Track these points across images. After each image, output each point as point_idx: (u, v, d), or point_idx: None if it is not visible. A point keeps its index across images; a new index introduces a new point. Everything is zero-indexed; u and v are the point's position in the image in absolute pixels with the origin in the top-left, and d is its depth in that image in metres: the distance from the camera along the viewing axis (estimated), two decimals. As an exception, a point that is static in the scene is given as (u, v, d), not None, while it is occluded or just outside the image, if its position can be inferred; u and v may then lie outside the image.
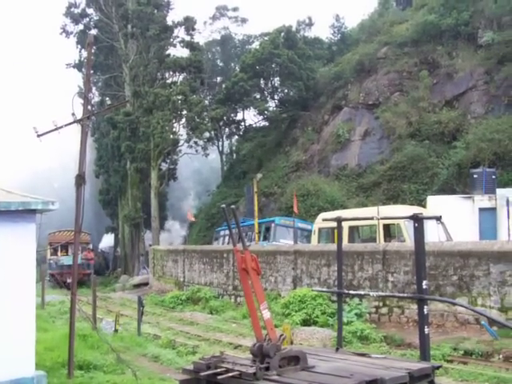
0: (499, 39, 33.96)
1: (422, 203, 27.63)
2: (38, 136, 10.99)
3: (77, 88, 49.83)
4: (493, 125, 30.10)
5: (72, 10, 52.52)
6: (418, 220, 8.00)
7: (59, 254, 43.33)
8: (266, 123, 54.89)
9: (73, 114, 11.50)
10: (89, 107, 11.88)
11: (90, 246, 48.40)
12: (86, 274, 40.90)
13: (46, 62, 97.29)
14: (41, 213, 9.51)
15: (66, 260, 39.21)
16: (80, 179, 11.41)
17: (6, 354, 8.56)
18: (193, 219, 42.74)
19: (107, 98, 55.13)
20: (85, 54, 48.91)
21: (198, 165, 64.90)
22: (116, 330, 16.74)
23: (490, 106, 33.36)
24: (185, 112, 46.09)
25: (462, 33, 36.89)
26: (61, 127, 11.12)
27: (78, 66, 54.04)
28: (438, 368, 7.55)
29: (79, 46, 52.99)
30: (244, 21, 67.55)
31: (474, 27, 36.51)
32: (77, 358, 11.29)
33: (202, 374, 6.37)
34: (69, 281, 31.76)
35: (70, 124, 11.52)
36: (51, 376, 10.13)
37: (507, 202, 22.79)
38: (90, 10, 52.81)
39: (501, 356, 12.68)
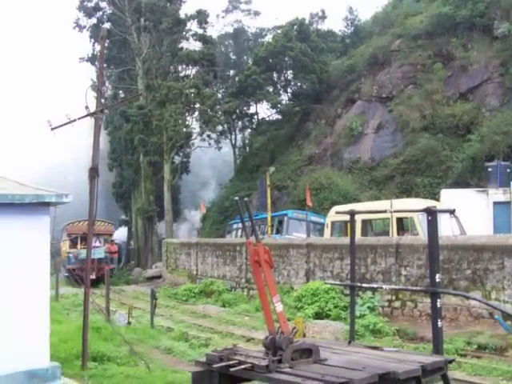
0: (515, 30, 33.56)
1: (435, 197, 27.48)
2: (52, 129, 11.07)
3: (90, 82, 50.09)
4: (508, 117, 29.79)
5: (85, 3, 52.62)
6: (431, 213, 7.96)
7: (79, 246, 37.99)
8: (279, 116, 54.84)
9: (86, 108, 11.56)
10: (102, 100, 11.92)
11: (113, 238, 43.39)
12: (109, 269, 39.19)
13: (59, 56, 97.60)
14: (55, 205, 9.55)
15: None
16: (93, 172, 11.47)
17: (21, 345, 8.64)
18: (203, 211, 42.77)
19: (120, 92, 55.30)
20: (98, 47, 49.00)
21: (211, 158, 65.08)
22: (129, 323, 16.85)
23: (506, 99, 33.00)
24: (198, 105, 46.14)
25: (478, 24, 36.46)
26: (74, 120, 11.19)
27: (92, 59, 54.21)
28: (451, 362, 7.53)
29: (92, 40, 53.10)
30: (257, 14, 67.49)
31: (489, 18, 36.04)
32: (90, 349, 11.38)
33: (215, 366, 6.41)
34: (92, 277, 30.78)
35: (84, 117, 11.58)
36: (65, 367, 10.21)
37: (522, 195, 22.64)
38: (103, 4, 52.88)
39: (515, 350, 12.60)
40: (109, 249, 38.93)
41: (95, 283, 30.88)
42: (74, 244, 38.31)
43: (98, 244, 36.17)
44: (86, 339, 10.96)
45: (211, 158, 65.53)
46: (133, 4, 48.85)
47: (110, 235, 40.97)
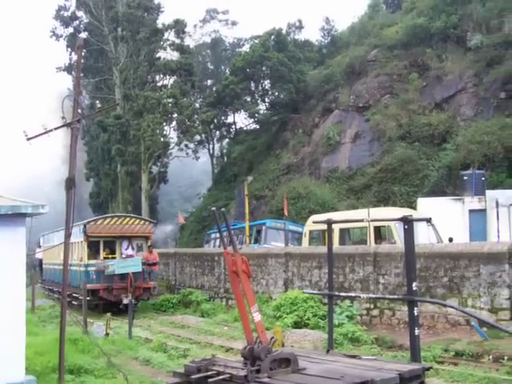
0: (488, 42, 34.28)
1: (412, 205, 27.75)
2: (28, 139, 10.97)
3: (67, 91, 49.82)
4: (482, 127, 30.29)
5: (62, 13, 52.48)
6: (407, 222, 8.04)
7: (102, 255, 25.57)
8: (257, 126, 55.05)
9: (63, 118, 11.48)
10: (79, 110, 11.85)
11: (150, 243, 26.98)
12: (147, 289, 25.37)
13: (36, 65, 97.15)
14: (31, 216, 9.49)
15: (118, 266, 24.27)
16: (70, 182, 11.38)
17: (-4, 358, 8.53)
18: (183, 221, 42.39)
19: (97, 101, 55.09)
20: (75, 57, 48.79)
21: (189, 167, 65.01)
22: (107, 334, 16.68)
23: (479, 109, 33.59)
24: (175, 115, 46.10)
25: (451, 36, 37.19)
26: (50, 131, 11.10)
27: (68, 69, 54.03)
28: (428, 369, 7.61)
29: (69, 50, 52.92)
30: (234, 24, 67.95)
31: (462, 30, 36.83)
32: (67, 362, 11.24)
33: (193, 376, 6.39)
34: (125, 301, 22.95)
35: (60, 127, 11.49)
36: (41, 381, 10.08)
37: (497, 203, 22.98)
38: (80, 13, 52.80)
39: (491, 357, 12.72)
40: (146, 258, 25.57)
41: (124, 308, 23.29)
42: (93, 253, 25.77)
43: (130, 252, 25.74)
44: (63, 351, 10.82)
45: (189, 168, 65.39)
46: (110, 14, 48.76)
47: (147, 238, 26.69)
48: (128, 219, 26.15)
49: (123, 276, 24.16)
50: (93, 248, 25.38)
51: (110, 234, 25.28)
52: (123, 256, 25.47)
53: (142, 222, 26.71)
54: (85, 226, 25.11)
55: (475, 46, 35.15)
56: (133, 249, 26.06)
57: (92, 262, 25.05)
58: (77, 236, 25.28)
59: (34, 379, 9.32)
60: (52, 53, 77.86)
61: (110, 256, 25.61)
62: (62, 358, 10.77)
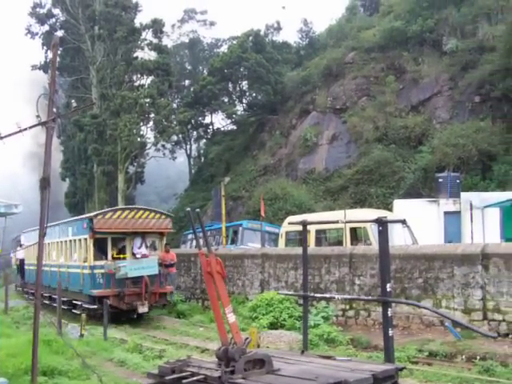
0: (463, 47, 34.82)
1: (388, 207, 27.98)
2: (1, 138, 10.82)
3: (41, 81, 49.13)
4: (457, 130, 30.68)
5: (37, 10, 51.75)
6: (382, 224, 8.10)
7: (109, 255, 21.50)
8: (234, 127, 55.07)
9: (37, 116, 11.34)
10: (54, 109, 11.72)
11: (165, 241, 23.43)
12: (163, 294, 21.90)
13: (11, 63, 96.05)
14: (4, 216, 9.38)
15: (131, 268, 20.59)
16: (45, 182, 11.24)
17: (-33, 360, 8.41)
18: None
19: (73, 101, 54.40)
20: (51, 55, 48.24)
21: (166, 168, 64.73)
22: (82, 335, 16.53)
23: (455, 112, 34.03)
24: (152, 115, 45.84)
25: (428, 39, 37.65)
26: (25, 129, 10.95)
27: (44, 67, 53.32)
28: (401, 369, 7.67)
29: (45, 48, 52.27)
30: (212, 24, 67.89)
31: (438, 34, 37.33)
32: (41, 363, 11.09)
33: (167, 378, 6.37)
34: (142, 310, 20.70)
35: (35, 126, 11.34)
36: (14, 383, 9.96)
37: (471, 205, 23.24)
38: (56, 11, 52.10)
39: (464, 357, 12.88)
40: (163, 258, 21.89)
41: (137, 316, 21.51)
42: (100, 252, 21.68)
43: (144, 251, 22.16)
44: (36, 353, 10.67)
45: (166, 168, 65.08)
46: (87, 12, 48.30)
47: (162, 235, 23.03)
48: (141, 212, 22.18)
49: (137, 280, 20.74)
50: (97, 246, 21.49)
51: (120, 230, 21.39)
52: (137, 256, 21.84)
53: (158, 215, 22.56)
54: (91, 220, 21.16)
55: (450, 50, 35.65)
56: (147, 247, 22.44)
57: (100, 263, 21.11)
58: (79, 232, 22.40)
59: (6, 381, 9.20)
60: (28, 51, 77.00)
61: (121, 256, 21.78)
62: (35, 359, 10.64)
